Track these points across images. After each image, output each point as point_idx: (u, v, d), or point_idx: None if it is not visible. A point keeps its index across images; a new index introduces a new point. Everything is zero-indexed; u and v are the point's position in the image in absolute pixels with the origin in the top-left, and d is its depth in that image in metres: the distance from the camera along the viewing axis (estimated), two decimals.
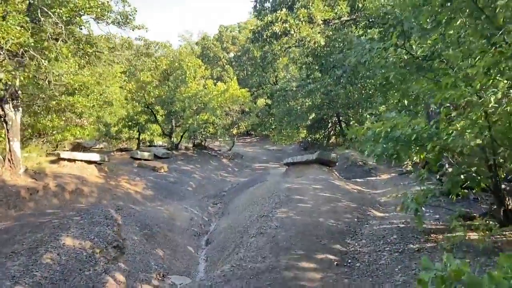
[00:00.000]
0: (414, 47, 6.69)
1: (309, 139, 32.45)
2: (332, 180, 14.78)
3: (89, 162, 18.70)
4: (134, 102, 24.80)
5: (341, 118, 29.76)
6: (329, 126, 31.87)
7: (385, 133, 6.29)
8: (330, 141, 32.69)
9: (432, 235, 7.37)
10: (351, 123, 30.70)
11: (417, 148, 6.45)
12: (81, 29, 16.02)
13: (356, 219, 9.60)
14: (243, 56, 37.65)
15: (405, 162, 16.39)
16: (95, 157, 19.01)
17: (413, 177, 8.99)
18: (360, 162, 20.21)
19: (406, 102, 8.70)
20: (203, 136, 26.62)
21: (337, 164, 18.15)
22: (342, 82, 14.63)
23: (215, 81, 32.36)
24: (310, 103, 27.61)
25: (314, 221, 9.20)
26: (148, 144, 29.28)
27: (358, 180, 17.00)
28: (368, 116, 25.02)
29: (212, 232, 12.62)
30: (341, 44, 15.59)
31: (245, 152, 31.98)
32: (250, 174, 24.54)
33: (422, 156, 6.93)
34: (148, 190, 18.70)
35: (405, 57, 6.75)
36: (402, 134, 6.25)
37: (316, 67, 15.40)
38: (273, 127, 35.52)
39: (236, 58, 40.14)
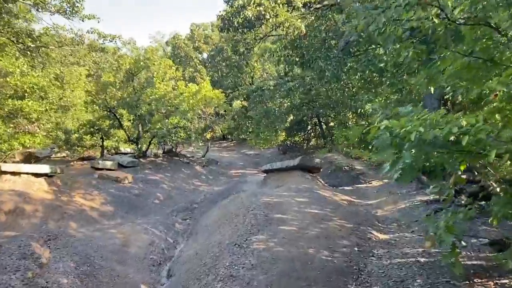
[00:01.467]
0: (449, 3, 4.38)
1: (288, 142, 30.13)
2: (317, 190, 12.42)
3: (37, 175, 15.85)
4: (95, 105, 21.96)
5: (321, 119, 27.52)
6: (309, 128, 29.62)
7: (418, 134, 3.90)
8: (310, 144, 30.47)
9: (476, 279, 5.03)
10: (330, 124, 28.57)
11: (471, 155, 4.06)
12: (19, 19, 13.33)
13: (356, 248, 7.22)
14: (217, 56, 35.11)
15: None
16: (45, 169, 16.18)
17: (432, 191, 6.60)
18: (346, 167, 17.94)
19: (425, 88, 6.33)
20: (174, 142, 23.96)
21: (321, 170, 15.83)
22: (327, 75, 12.41)
23: (187, 82, 29.67)
24: (288, 103, 25.29)
25: (302, 254, 6.77)
26: (114, 152, 26.41)
27: (345, 188, 14.70)
28: (350, 115, 22.83)
29: (176, 260, 10.04)
30: (324, 34, 13.37)
31: (220, 158, 29.43)
32: (226, 183, 22.02)
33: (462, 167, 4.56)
34: (107, 206, 15.98)
35: (436, 20, 4.42)
36: (441, 135, 3.87)
37: (297, 59, 13.12)
38: (250, 130, 33.14)
39: (209, 58, 37.51)
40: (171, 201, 18.34)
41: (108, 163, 20.74)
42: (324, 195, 11.72)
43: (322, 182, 15.24)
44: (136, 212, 16.32)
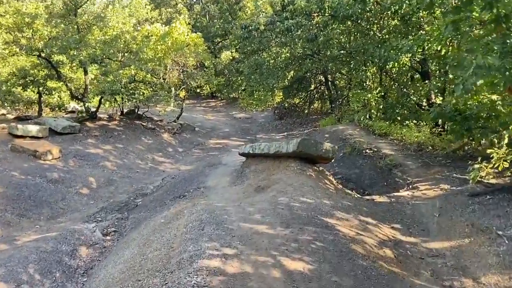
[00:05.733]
0: None
1: (286, 105, 23.34)
2: (331, 217, 5.94)
3: None
4: (15, 47, 15.02)
5: (329, 77, 20.58)
6: (312, 88, 22.70)
7: None
8: (313, 107, 23.66)
9: None
10: (340, 83, 21.69)
11: None
12: None
13: None
14: None
15: (475, 167, 7.46)
16: None
17: None
18: (368, 150, 11.28)
19: None
20: (135, 100, 17.24)
21: (333, 160, 9.25)
22: None
23: (164, 25, 22.41)
24: (287, 54, 18.34)
25: None
26: (66, 111, 19.82)
27: (375, 198, 8.12)
28: (370, 72, 16.05)
29: None
30: None
31: (202, 121, 22.77)
32: (198, 159, 15.57)
33: None
34: None
35: None
36: None
37: None
38: (243, 88, 26.34)
39: None
40: (107, 190, 11.96)
41: (33, 129, 14.25)
42: (348, 237, 5.23)
43: (335, 183, 8.67)
44: (39, 213, 9.98)
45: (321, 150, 8.44)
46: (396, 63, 11.71)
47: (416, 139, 11.09)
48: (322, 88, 21.99)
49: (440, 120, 10.94)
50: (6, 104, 17.84)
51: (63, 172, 12.15)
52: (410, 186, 8.50)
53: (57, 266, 7.00)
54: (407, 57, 11.62)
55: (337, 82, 21.37)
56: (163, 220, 6.96)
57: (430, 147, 10.62)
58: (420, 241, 5.99)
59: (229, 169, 11.16)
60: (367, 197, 8.04)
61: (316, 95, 22.53)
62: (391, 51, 11.60)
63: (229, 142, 18.65)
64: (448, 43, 9.19)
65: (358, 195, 8.30)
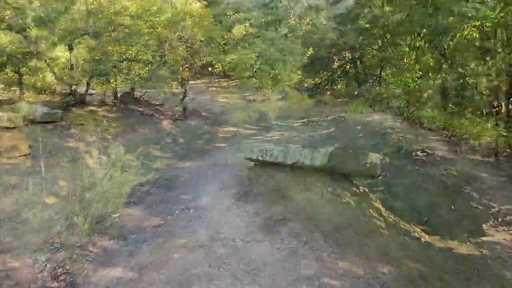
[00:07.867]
0: None
1: (305, 85, 20.17)
2: None
3: None
4: None
5: (356, 54, 17.24)
6: (336, 66, 19.40)
7: None
8: (335, 87, 20.41)
9: None
10: (365, 60, 18.30)
11: None
12: None
13: None
14: None
15: None
16: None
17: None
18: (420, 152, 8.20)
19: None
20: (130, 82, 14.43)
21: (380, 177, 6.25)
22: None
23: None
24: (308, 26, 15.10)
25: None
26: (54, 93, 17.12)
27: (452, 245, 5.10)
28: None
29: None
30: None
31: (212, 105, 19.90)
32: (200, 154, 12.75)
33: None
34: None
35: None
36: None
37: None
38: (258, 66, 23.13)
39: None
40: (81, 199, 9.21)
41: (2, 117, 11.56)
42: None
43: (383, 212, 5.70)
44: None
45: (364, 165, 5.46)
46: (457, 35, 8.43)
47: (486, 138, 7.93)
48: (347, 66, 18.68)
49: None
50: None
51: (27, 175, 9.49)
52: (499, 220, 5.44)
53: None
54: (474, 25, 8.35)
55: (366, 59, 18.02)
56: None
57: (508, 151, 7.50)
58: None
59: (233, 176, 8.27)
60: (440, 244, 5.02)
61: (340, 75, 19.25)
62: (451, 18, 8.35)
63: (240, 130, 15.74)
64: None
65: (423, 236, 5.29)
